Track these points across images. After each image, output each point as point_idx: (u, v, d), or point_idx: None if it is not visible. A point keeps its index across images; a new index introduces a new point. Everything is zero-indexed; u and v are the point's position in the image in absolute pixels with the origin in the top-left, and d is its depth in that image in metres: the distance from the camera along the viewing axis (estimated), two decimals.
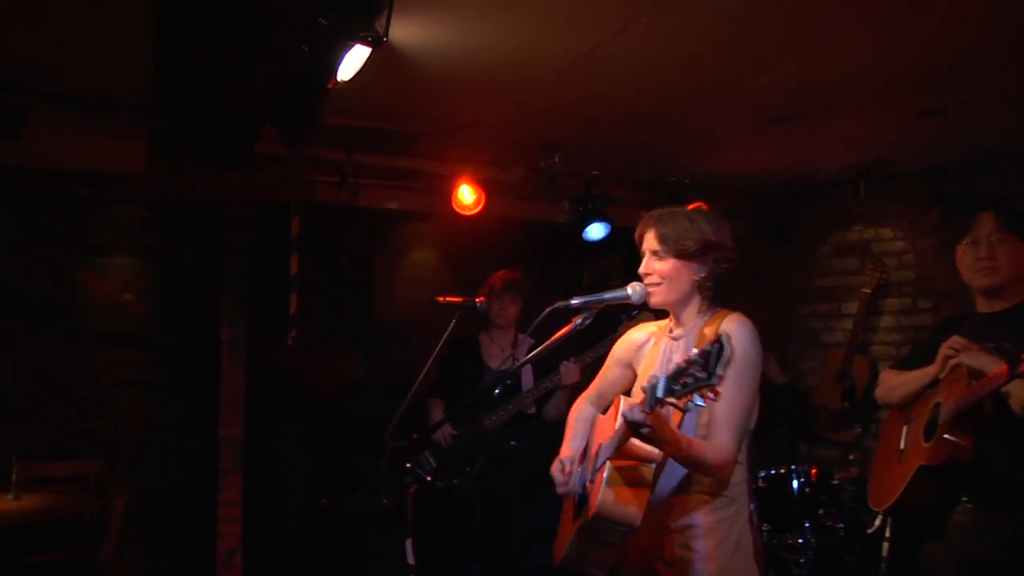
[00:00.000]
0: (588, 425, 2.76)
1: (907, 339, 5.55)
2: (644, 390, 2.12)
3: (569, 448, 2.74)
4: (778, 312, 6.38)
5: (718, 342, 1.92)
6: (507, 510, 4.41)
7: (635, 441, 2.28)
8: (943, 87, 3.82)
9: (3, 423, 4.86)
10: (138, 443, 5.15)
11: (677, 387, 1.98)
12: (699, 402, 1.96)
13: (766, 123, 4.26)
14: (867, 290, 5.70)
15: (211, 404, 4.88)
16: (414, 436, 4.13)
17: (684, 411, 2.07)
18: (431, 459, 4.31)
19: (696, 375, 1.94)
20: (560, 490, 2.60)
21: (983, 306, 3.16)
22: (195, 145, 4.04)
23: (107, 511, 4.58)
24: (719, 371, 1.90)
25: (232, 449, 4.82)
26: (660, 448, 2.23)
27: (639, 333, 2.76)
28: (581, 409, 2.84)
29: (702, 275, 2.51)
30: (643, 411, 2.08)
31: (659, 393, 2.03)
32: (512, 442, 4.33)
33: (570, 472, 2.60)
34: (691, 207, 2.58)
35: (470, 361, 4.47)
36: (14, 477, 4.42)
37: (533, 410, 4.42)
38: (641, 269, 2.55)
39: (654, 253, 2.52)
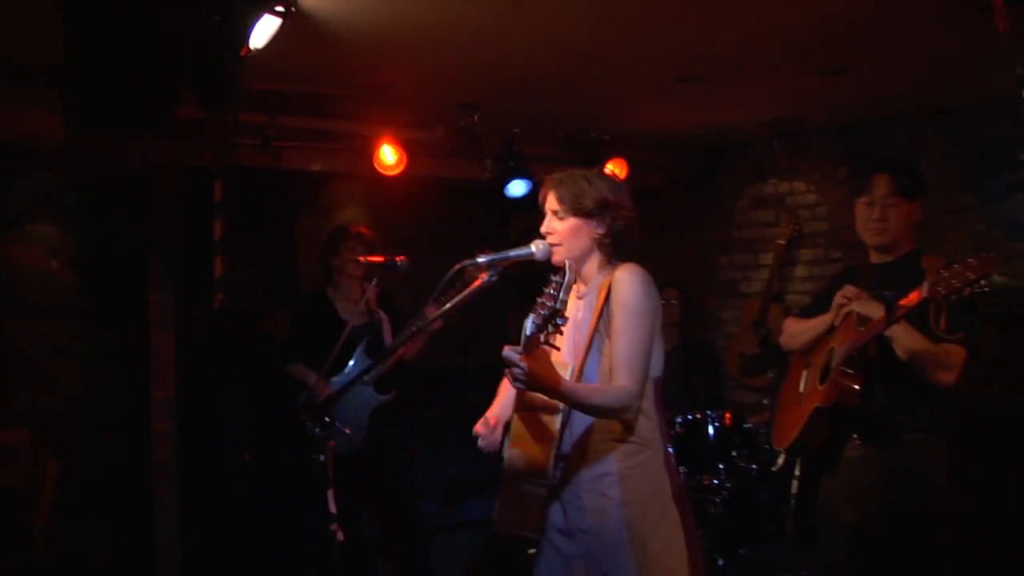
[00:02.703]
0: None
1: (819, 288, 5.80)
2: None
3: (496, 408, 2.85)
4: (698, 264, 6.58)
5: (562, 271, 2.11)
6: (391, 463, 4.51)
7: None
8: (842, 49, 3.96)
9: None
10: (66, 412, 5.14)
11: (539, 321, 2.15)
12: (560, 323, 2.17)
13: (676, 82, 4.38)
14: (782, 241, 5.92)
15: (141, 370, 4.90)
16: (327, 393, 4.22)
17: (554, 346, 2.24)
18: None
19: (548, 305, 2.13)
20: (480, 444, 2.72)
21: (875, 257, 3.38)
22: (113, 113, 4.02)
23: (39, 481, 4.60)
24: (563, 297, 2.10)
25: (165, 411, 4.84)
26: (545, 394, 2.35)
27: None
28: None
29: (600, 232, 2.63)
30: (519, 352, 2.21)
31: (527, 331, 2.19)
32: (394, 391, 4.40)
33: (491, 428, 2.72)
34: (591, 170, 2.72)
35: (327, 319, 4.42)
36: None
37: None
38: (543, 228, 2.68)
39: (554, 213, 2.65)
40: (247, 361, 5.27)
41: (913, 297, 2.80)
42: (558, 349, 2.36)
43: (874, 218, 3.27)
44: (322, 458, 3.09)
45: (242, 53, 3.17)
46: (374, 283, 4.04)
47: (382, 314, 4.53)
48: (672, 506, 2.58)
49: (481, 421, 2.76)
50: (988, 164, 4.96)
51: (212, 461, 5.24)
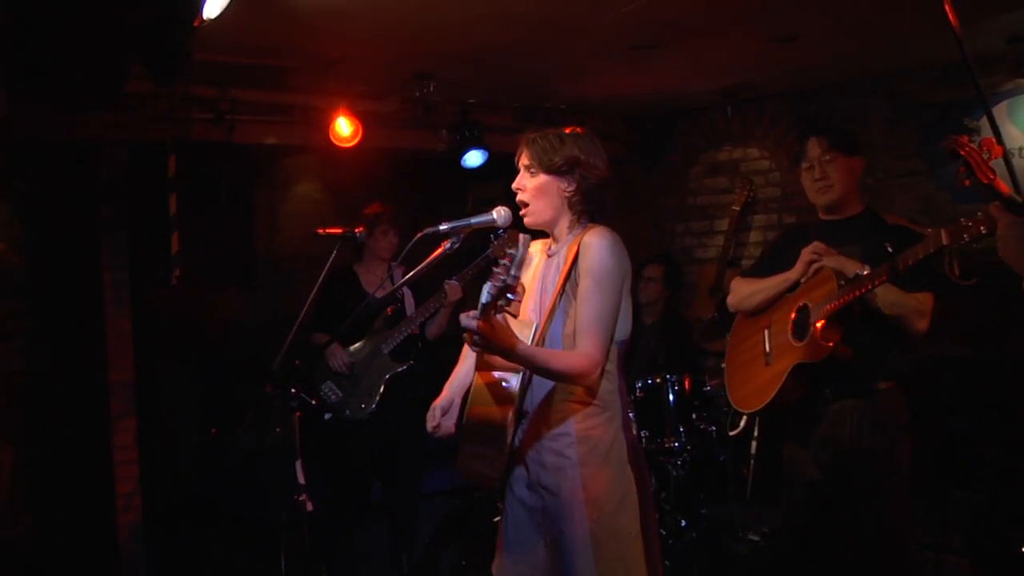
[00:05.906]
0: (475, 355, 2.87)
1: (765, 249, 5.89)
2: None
3: (447, 389, 2.82)
4: (654, 231, 6.64)
5: (516, 243, 2.15)
6: (404, 431, 4.54)
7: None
8: (792, 16, 4.01)
9: None
10: (22, 395, 5.03)
11: (495, 292, 2.17)
12: (511, 297, 2.20)
13: (629, 50, 4.40)
14: (736, 207, 5.98)
15: (97, 350, 4.80)
16: (297, 362, 4.23)
17: (510, 313, 2.29)
18: (336, 389, 4.42)
19: (501, 278, 2.16)
20: (429, 430, 2.72)
21: (824, 216, 3.43)
22: (60, 87, 3.93)
23: None
24: (515, 272, 2.14)
25: (124, 393, 4.78)
26: (502, 356, 2.35)
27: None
28: None
29: (571, 190, 2.63)
30: (475, 318, 2.22)
31: (484, 298, 2.20)
32: (411, 362, 4.47)
33: (438, 420, 2.71)
34: (567, 130, 2.73)
35: (351, 293, 4.53)
36: None
37: (418, 331, 4.57)
38: (514, 184, 2.67)
39: (526, 168, 2.65)
40: (206, 337, 5.22)
41: (926, 247, 2.84)
42: (515, 316, 2.39)
43: (816, 178, 3.35)
44: (277, 430, 3.11)
45: (195, 23, 3.12)
46: (398, 261, 4.09)
47: (405, 288, 4.60)
48: (628, 466, 2.61)
49: (430, 410, 2.75)
50: (934, 129, 5.06)
51: (172, 439, 5.19)
